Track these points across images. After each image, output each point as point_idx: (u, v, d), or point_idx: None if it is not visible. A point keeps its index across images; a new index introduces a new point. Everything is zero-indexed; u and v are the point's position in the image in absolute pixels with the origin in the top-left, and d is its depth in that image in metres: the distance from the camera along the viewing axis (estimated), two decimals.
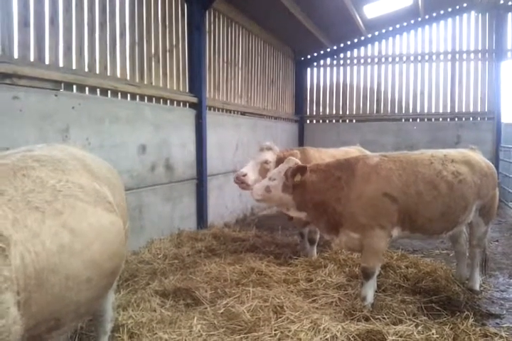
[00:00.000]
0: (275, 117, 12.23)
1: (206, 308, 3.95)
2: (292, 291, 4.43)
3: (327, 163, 4.57)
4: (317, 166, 4.49)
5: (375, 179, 4.15)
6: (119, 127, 5.74)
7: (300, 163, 4.47)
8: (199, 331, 3.46)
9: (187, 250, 5.84)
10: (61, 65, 5.15)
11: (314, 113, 14.21)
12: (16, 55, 4.62)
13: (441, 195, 4.24)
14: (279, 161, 5.02)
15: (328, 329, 3.48)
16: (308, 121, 14.18)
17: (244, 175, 5.35)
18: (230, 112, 9.46)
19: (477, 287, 4.75)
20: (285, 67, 13.25)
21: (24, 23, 4.70)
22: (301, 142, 13.62)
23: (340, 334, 3.41)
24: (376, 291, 4.40)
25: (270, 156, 5.48)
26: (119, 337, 3.34)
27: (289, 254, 5.92)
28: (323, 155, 6.16)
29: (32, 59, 4.79)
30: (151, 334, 3.38)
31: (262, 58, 11.42)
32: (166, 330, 3.44)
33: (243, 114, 10.06)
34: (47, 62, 4.96)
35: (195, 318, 3.66)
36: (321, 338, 3.36)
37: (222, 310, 3.84)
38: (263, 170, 5.32)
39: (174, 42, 7.46)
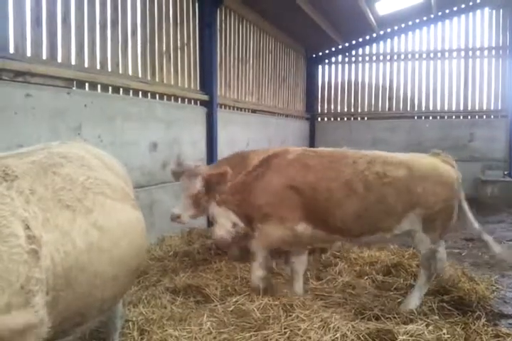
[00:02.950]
0: (286, 115, 12.20)
1: (216, 306, 3.95)
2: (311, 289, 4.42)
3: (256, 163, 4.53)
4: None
5: (285, 172, 4.11)
6: (130, 125, 5.77)
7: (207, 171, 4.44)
8: (209, 328, 3.46)
9: (197, 247, 5.86)
10: (73, 62, 5.18)
11: (326, 110, 14.14)
12: (28, 53, 4.65)
13: (357, 196, 3.99)
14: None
15: (338, 328, 3.45)
16: (319, 119, 14.10)
17: (179, 217, 4.63)
18: (241, 110, 9.46)
19: (407, 309, 4.01)
20: (296, 64, 13.20)
21: (37, 22, 4.73)
22: (312, 140, 13.58)
23: (351, 333, 3.39)
24: (388, 290, 4.38)
25: (200, 184, 4.49)
26: (129, 333, 3.36)
27: None
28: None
29: (44, 57, 4.82)
30: (162, 330, 3.39)
31: (273, 56, 11.39)
32: (176, 327, 3.44)
33: (254, 111, 10.05)
34: (59, 60, 5.00)
35: (205, 315, 3.67)
36: (330, 337, 3.34)
37: (232, 308, 3.84)
38: (198, 202, 4.54)
39: (185, 40, 7.47)
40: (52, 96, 4.63)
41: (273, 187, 4.08)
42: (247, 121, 9.46)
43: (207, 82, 7.77)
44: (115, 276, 2.21)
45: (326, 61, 14.09)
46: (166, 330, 3.38)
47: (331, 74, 14.10)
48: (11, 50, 4.45)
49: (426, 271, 4.20)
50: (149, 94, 6.47)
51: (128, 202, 2.50)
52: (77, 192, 2.15)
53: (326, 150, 4.43)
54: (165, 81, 6.93)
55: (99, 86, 5.47)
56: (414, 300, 4.11)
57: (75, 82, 5.03)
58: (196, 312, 3.80)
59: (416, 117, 13.24)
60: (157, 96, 6.65)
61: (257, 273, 4.15)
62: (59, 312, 1.92)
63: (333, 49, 13.86)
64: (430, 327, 3.52)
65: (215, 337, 3.36)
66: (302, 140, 12.94)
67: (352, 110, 13.85)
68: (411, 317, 3.82)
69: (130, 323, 3.49)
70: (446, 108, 13.07)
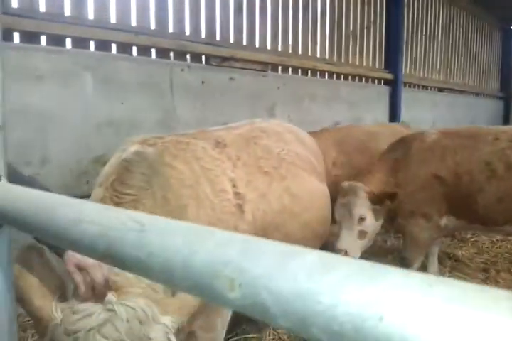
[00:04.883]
0: (476, 94, 11.18)
1: None
2: (496, 281, 4.14)
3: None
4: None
5: (429, 159, 3.57)
6: (316, 105, 5.99)
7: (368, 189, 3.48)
8: None
9: None
10: (269, 47, 5.54)
11: None
12: (231, 40, 5.13)
13: (497, 177, 3.39)
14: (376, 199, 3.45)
15: None
16: None
17: (346, 253, 3.40)
18: (427, 88, 8.99)
19: None
20: (490, 38, 11.91)
21: (239, 10, 5.16)
22: (506, 121, 12.20)
23: None
24: None
25: (364, 208, 3.39)
26: None
27: (487, 243, 5.48)
28: None
29: (245, 43, 5.26)
30: None
31: (463, 30, 10.48)
32: None
33: (441, 90, 9.46)
34: (257, 45, 5.39)
35: None
36: None
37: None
38: (362, 235, 3.44)
39: (372, 19, 7.35)
40: (251, 79, 5.05)
41: (421, 178, 3.61)
42: (432, 100, 8.96)
43: (392, 60, 7.57)
44: (304, 238, 2.40)
45: None
46: None
47: None
48: (217, 38, 4.95)
49: None
50: (334, 75, 6.59)
51: (315, 174, 2.70)
52: (273, 161, 2.40)
53: (459, 127, 3.95)
54: (350, 61, 6.96)
55: (290, 69, 5.77)
56: None
57: (269, 66, 5.39)
58: None
59: None
60: (342, 76, 6.73)
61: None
62: None
63: None
64: None
65: None
66: (494, 121, 11.72)
67: None
68: None
69: None
70: None
